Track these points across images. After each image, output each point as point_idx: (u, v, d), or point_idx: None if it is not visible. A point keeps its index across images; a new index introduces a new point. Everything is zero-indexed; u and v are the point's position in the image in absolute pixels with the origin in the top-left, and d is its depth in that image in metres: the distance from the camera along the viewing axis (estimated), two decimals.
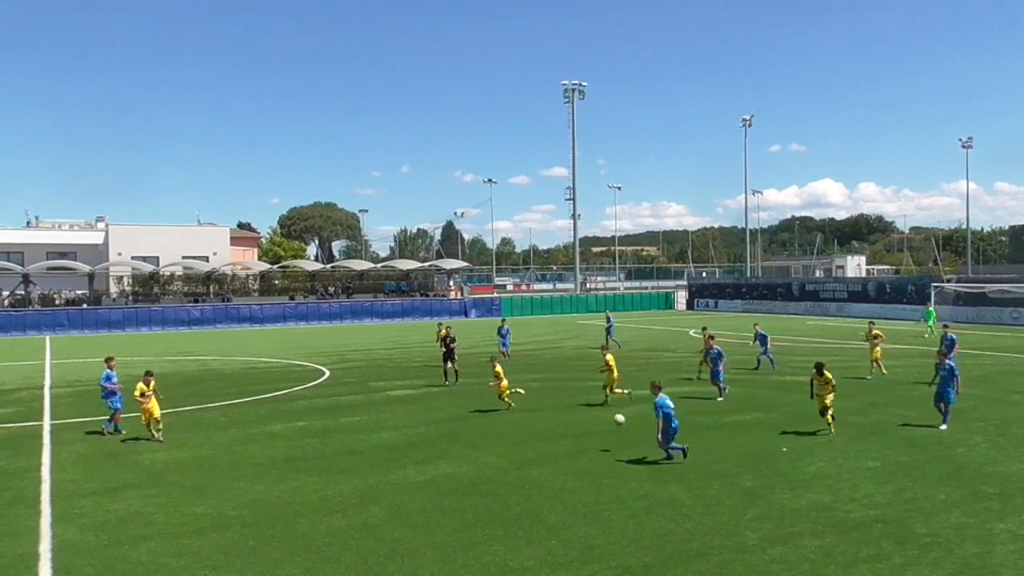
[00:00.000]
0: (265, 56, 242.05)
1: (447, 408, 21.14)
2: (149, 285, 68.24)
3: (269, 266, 78.18)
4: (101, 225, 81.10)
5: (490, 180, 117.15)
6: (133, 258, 69.03)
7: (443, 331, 27.72)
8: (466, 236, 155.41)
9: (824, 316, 60.79)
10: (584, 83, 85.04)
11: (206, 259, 71.96)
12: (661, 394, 14.46)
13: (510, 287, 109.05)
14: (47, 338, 52.25)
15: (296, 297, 70.50)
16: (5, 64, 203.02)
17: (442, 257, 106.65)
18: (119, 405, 18.37)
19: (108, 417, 18.41)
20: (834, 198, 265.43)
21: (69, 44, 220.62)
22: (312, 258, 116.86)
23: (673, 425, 14.39)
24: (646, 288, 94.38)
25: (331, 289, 73.67)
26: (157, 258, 69.93)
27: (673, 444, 14.44)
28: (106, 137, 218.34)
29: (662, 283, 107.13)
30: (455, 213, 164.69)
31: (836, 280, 79.01)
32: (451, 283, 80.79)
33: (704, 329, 26.87)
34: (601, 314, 68.15)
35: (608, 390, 20.97)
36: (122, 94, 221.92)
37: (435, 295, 76.08)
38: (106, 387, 18.42)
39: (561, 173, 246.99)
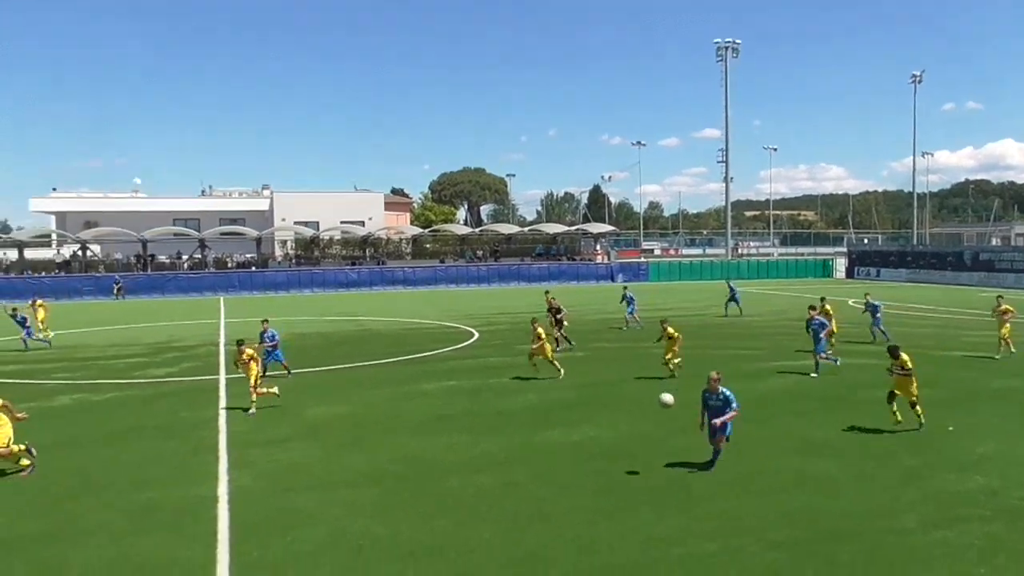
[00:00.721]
0: (418, 26, 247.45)
1: (593, 373, 21.21)
2: (310, 249, 72.00)
3: (420, 230, 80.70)
4: (266, 192, 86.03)
5: (638, 143, 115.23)
6: (295, 223, 72.91)
7: (550, 300, 27.72)
8: (613, 200, 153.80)
9: (1000, 288, 56.34)
10: (738, 40, 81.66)
11: (362, 224, 74.99)
12: (720, 388, 12.12)
13: (658, 252, 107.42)
14: (221, 298, 56.20)
15: (446, 260, 72.44)
16: (185, 47, 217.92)
17: (589, 221, 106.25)
18: (282, 358, 20.66)
19: (284, 370, 20.61)
20: (1015, 160, 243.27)
21: (231, 19, 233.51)
22: (461, 222, 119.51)
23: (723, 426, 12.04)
24: (802, 255, 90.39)
25: (479, 253, 75.16)
26: (317, 223, 73.51)
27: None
28: (268, 108, 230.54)
29: (819, 250, 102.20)
30: (602, 177, 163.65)
31: (1015, 249, 72.83)
32: (598, 247, 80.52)
33: (822, 300, 25.40)
34: (753, 281, 66.15)
35: (668, 364, 20.13)
36: (284, 67, 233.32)
37: (582, 259, 76.07)
38: (269, 345, 20.38)
39: (713, 135, 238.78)
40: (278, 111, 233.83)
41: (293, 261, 70.23)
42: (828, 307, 24.58)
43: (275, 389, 17.38)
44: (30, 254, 69.18)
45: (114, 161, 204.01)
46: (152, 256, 66.82)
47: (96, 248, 69.49)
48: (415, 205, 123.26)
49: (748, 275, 70.64)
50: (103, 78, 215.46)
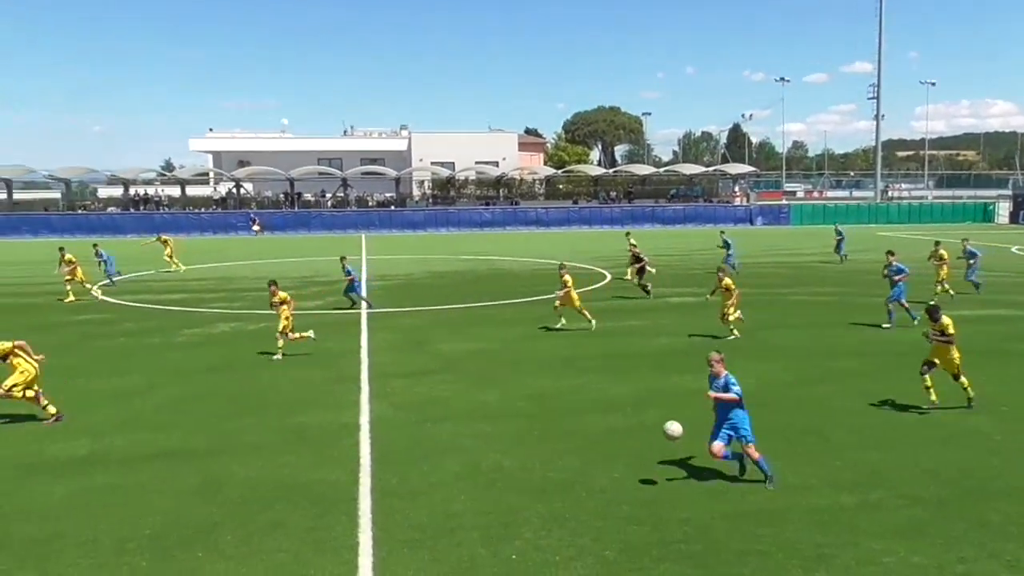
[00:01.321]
0: None
1: None
2: (446, 189, 73.33)
3: (554, 171, 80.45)
4: (404, 133, 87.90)
5: (782, 79, 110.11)
6: (432, 163, 74.27)
7: (632, 247, 27.00)
8: (754, 139, 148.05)
9: None
10: None
11: (496, 164, 75.53)
12: (725, 371, 9.51)
13: (800, 194, 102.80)
14: (362, 236, 58.28)
15: (579, 201, 72.12)
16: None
17: (727, 162, 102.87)
18: (362, 292, 22.73)
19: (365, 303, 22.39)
20: None
21: None
22: (595, 163, 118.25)
23: (746, 413, 9.41)
24: (960, 198, 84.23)
25: (613, 194, 74.36)
26: (453, 163, 74.57)
27: (727, 453, 9.46)
28: (407, 50, 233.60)
29: (980, 192, 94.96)
30: (742, 115, 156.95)
31: None
32: (736, 189, 78.00)
33: (936, 244, 23.73)
34: (903, 226, 62.40)
35: (724, 319, 18.29)
36: (422, 8, 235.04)
37: (719, 201, 73.97)
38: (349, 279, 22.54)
39: (864, 69, 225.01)
40: (417, 52, 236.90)
41: (430, 200, 71.82)
42: (943, 252, 23.53)
43: (310, 332, 16.92)
44: (191, 191, 73.92)
45: (263, 102, 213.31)
46: (298, 194, 69.90)
47: (248, 186, 73.34)
48: (548, 145, 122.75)
49: (898, 219, 66.76)
50: (254, 22, 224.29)
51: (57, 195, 73.21)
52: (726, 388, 9.33)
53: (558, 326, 19.15)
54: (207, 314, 22.43)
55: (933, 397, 12.14)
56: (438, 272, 32.90)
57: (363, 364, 15.85)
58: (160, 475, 9.79)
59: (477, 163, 73.79)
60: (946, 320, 12.10)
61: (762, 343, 17.52)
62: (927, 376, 12.15)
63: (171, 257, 34.26)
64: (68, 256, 25.90)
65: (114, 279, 29.04)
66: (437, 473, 9.79)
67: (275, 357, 16.26)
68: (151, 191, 73.22)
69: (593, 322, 19.09)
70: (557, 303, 19.27)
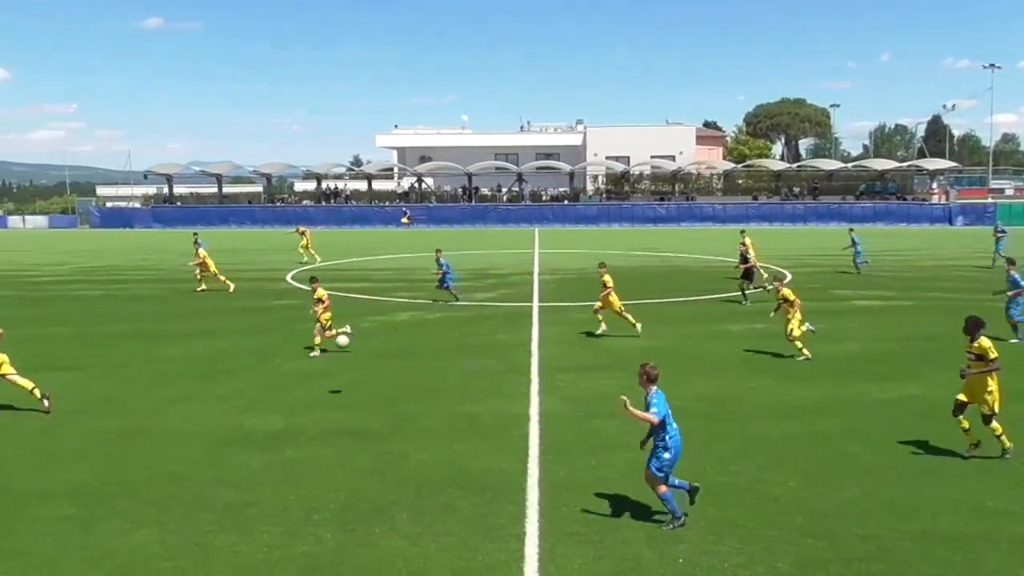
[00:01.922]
0: None
1: (920, 325, 19.39)
2: (620, 184, 72.94)
3: (733, 165, 78.07)
4: (580, 128, 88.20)
5: (992, 65, 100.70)
6: (607, 158, 74.10)
7: (742, 245, 25.16)
8: (955, 132, 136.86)
9: None
10: None
11: (672, 158, 74.29)
12: (653, 387, 8.48)
13: (1010, 191, 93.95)
14: (535, 230, 59.10)
15: (759, 197, 69.57)
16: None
17: (925, 156, 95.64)
18: (450, 284, 23.00)
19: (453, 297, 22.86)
20: None
21: None
22: (777, 157, 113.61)
23: (666, 441, 8.26)
24: None
25: (796, 190, 71.22)
26: (628, 158, 74.09)
27: (674, 481, 8.33)
28: (585, 45, 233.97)
29: None
30: (943, 106, 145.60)
31: None
32: (934, 186, 72.53)
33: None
34: None
35: (789, 338, 15.83)
36: (599, 3, 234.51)
37: (914, 199, 69.07)
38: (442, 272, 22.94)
39: None
40: (594, 47, 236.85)
41: (603, 195, 71.70)
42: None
43: (347, 328, 16.18)
44: (376, 185, 77.84)
45: (444, 99, 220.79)
46: (476, 188, 71.89)
47: (429, 180, 76.29)
48: (728, 139, 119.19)
49: None
50: (437, 24, 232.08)
51: (259, 189, 79.38)
52: (647, 407, 8.24)
53: (599, 332, 18.10)
54: (389, 303, 23.55)
55: (973, 437, 10.04)
56: (610, 267, 32.79)
57: (533, 357, 16.09)
58: (342, 453, 10.39)
59: (653, 157, 72.89)
60: (986, 342, 9.97)
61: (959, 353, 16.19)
62: (961, 415, 10.03)
63: (307, 248, 36.19)
64: (202, 252, 26.89)
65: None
66: (604, 469, 9.78)
67: (312, 354, 16.20)
68: (340, 185, 77.82)
69: (638, 326, 17.95)
70: (597, 305, 18.17)
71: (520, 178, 71.23)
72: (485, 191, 72.62)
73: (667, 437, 8.23)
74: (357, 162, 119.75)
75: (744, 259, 24.43)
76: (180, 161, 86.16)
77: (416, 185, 73.86)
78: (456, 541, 7.83)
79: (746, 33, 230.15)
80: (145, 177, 77.28)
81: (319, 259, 36.20)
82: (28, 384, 12.27)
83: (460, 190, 72.04)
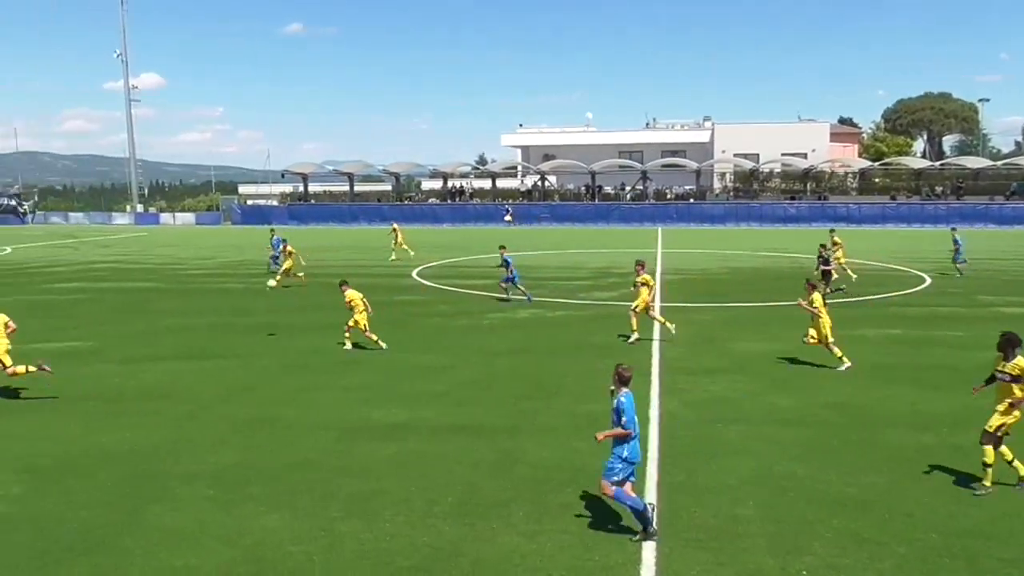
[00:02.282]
0: None
1: None
2: (748, 182, 70.92)
3: (870, 163, 74.47)
4: (707, 124, 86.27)
5: None
6: (735, 155, 72.16)
7: (829, 243, 23.48)
8: None
9: None
10: None
11: (804, 156, 71.57)
12: (624, 390, 8.22)
13: None
14: (659, 229, 58.31)
15: (897, 197, 66.12)
16: None
17: None
18: (517, 281, 22.91)
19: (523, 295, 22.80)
20: None
21: None
22: (918, 155, 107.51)
23: (623, 448, 7.93)
24: None
25: (938, 189, 67.21)
26: (757, 155, 71.87)
27: (623, 496, 7.88)
28: (713, 38, 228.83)
29: None
30: None
31: None
32: None
33: None
34: None
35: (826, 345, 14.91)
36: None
37: None
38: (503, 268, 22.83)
39: None
40: (722, 42, 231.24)
41: (731, 194, 69.94)
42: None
43: (376, 337, 16.68)
44: (500, 184, 78.78)
45: (569, 96, 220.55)
46: (599, 187, 71.59)
47: (552, 178, 76.55)
48: (864, 136, 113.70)
49: None
50: (560, 21, 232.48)
51: (388, 187, 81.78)
52: (616, 412, 7.97)
53: (632, 339, 17.35)
54: (512, 300, 23.78)
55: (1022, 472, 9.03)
56: (736, 268, 32.01)
57: (654, 358, 15.91)
58: (462, 447, 10.61)
59: (783, 155, 70.44)
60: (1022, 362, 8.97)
61: None
62: (1004, 449, 9.04)
63: (399, 245, 38.21)
64: (289, 248, 28.19)
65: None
66: (725, 474, 9.57)
67: (346, 347, 16.82)
68: (465, 184, 79.22)
69: (672, 327, 17.45)
70: (636, 307, 17.50)
71: (644, 176, 70.40)
72: (608, 189, 72.19)
73: (626, 446, 7.94)
74: (482, 161, 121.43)
75: (825, 261, 24.00)
76: (315, 161, 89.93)
77: (539, 183, 74.32)
78: (573, 540, 7.86)
79: (886, 26, 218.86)
80: (283, 176, 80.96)
81: (412, 253, 37.49)
82: (22, 369, 12.82)
83: (583, 188, 71.87)
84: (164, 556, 7.55)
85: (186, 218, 79.65)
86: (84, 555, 7.59)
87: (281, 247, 29.26)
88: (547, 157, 78.60)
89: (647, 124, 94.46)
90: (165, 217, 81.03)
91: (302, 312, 21.93)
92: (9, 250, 45.69)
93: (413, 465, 9.94)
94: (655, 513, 8.10)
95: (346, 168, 79.25)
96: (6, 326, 13.04)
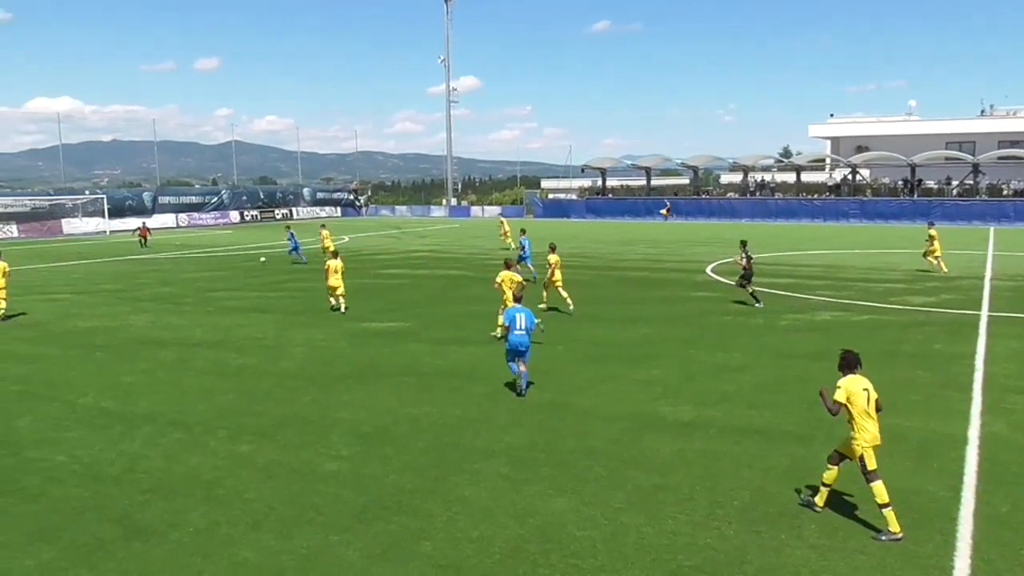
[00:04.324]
0: None
1: None
2: None
3: None
4: None
5: None
6: None
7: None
8: None
9: None
10: None
11: None
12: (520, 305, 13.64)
13: None
14: (991, 229, 51.86)
15: None
16: None
17: None
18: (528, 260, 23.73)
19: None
20: None
21: None
22: None
23: (512, 339, 13.16)
24: None
25: None
26: None
27: (512, 364, 13.23)
28: None
29: None
30: None
31: None
32: None
33: None
34: None
35: None
36: None
37: None
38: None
39: None
40: None
41: None
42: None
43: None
44: (805, 177, 74.65)
45: (888, 84, 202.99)
46: (919, 181, 65.15)
47: (865, 172, 70.99)
48: None
49: None
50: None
51: (686, 181, 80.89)
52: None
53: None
54: (812, 301, 22.55)
55: None
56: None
57: (977, 372, 14.20)
58: (751, 450, 10.27)
59: None
60: None
61: None
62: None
63: (506, 236, 41.99)
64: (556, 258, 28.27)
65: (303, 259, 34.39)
66: None
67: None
68: (767, 177, 76.05)
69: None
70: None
71: (976, 169, 62.77)
72: (930, 184, 65.32)
73: (512, 338, 13.15)
74: (786, 153, 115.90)
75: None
76: (614, 155, 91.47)
77: (849, 177, 69.24)
78: (870, 562, 7.30)
79: None
80: (582, 171, 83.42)
81: (513, 245, 37.68)
82: None
83: (900, 183, 65.71)
84: (462, 525, 8.18)
85: (493, 211, 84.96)
86: (396, 514, 8.46)
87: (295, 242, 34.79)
88: (860, 149, 73.00)
89: (982, 112, 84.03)
90: (475, 210, 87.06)
91: (600, 304, 22.47)
92: (347, 239, 51.87)
93: (699, 464, 9.82)
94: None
95: (643, 162, 79.71)
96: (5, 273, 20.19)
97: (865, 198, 65.19)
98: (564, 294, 20.57)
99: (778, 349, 16.31)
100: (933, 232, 28.49)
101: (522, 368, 12.98)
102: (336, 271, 21.52)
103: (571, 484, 9.22)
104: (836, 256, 35.13)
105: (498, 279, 17.84)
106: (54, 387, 14.14)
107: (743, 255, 21.50)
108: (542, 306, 20.59)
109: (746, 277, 21.59)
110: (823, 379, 13.86)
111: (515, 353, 13.02)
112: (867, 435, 8.04)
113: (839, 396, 8.22)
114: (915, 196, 63.32)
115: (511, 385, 13.33)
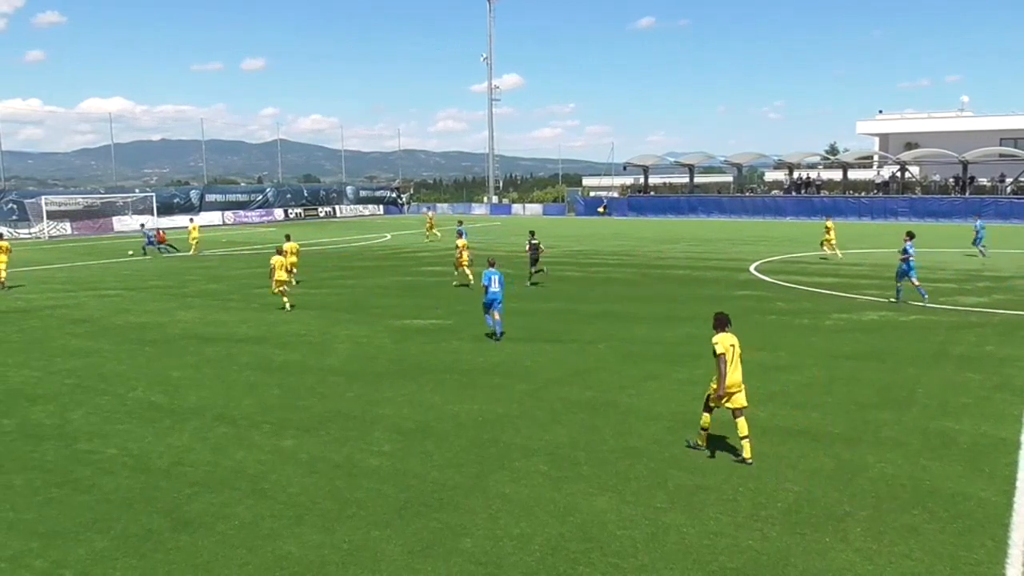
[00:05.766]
0: None
1: None
2: None
3: None
4: None
5: None
6: None
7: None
8: None
9: None
10: None
11: None
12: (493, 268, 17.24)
13: None
14: None
15: None
16: None
17: None
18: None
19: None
20: None
21: None
22: None
23: (488, 295, 17.04)
24: None
25: None
26: None
27: (487, 316, 17.27)
28: None
29: None
30: None
31: None
32: None
33: None
34: None
35: None
36: None
37: None
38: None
39: None
40: None
41: None
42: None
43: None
44: (852, 175, 73.30)
45: (943, 79, 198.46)
46: (971, 178, 63.60)
47: (914, 169, 69.49)
48: None
49: None
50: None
51: (730, 178, 80.00)
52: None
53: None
54: (858, 301, 22.16)
55: None
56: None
57: None
58: (796, 452, 10.12)
59: None
60: None
61: None
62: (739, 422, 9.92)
63: (432, 228, 45.93)
64: (464, 242, 27.43)
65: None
66: None
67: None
68: (813, 175, 74.86)
69: None
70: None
71: None
72: (983, 181, 63.70)
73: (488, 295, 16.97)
74: (833, 150, 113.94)
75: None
76: (657, 153, 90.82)
77: (898, 174, 67.81)
78: (918, 568, 7.15)
79: None
80: (624, 168, 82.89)
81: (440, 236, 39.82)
82: None
83: (951, 180, 64.18)
84: (503, 522, 8.20)
85: (534, 209, 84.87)
86: (437, 511, 8.50)
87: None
88: (909, 146, 71.43)
89: None
90: (516, 208, 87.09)
91: (642, 303, 22.34)
92: (389, 236, 52.26)
93: (742, 465, 9.70)
94: None
95: (687, 160, 78.99)
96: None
97: (915, 196, 63.84)
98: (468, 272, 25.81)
99: (824, 349, 16.05)
100: (830, 224, 34.20)
101: (496, 317, 16.98)
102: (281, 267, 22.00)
103: (612, 483, 9.18)
104: (884, 255, 34.45)
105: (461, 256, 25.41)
106: (106, 381, 14.49)
107: (530, 244, 26.43)
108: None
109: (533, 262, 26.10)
110: (872, 380, 13.69)
111: (489, 306, 16.95)
112: (730, 380, 9.65)
113: (718, 349, 9.77)
114: (967, 194, 61.82)
115: (491, 335, 17.02)
